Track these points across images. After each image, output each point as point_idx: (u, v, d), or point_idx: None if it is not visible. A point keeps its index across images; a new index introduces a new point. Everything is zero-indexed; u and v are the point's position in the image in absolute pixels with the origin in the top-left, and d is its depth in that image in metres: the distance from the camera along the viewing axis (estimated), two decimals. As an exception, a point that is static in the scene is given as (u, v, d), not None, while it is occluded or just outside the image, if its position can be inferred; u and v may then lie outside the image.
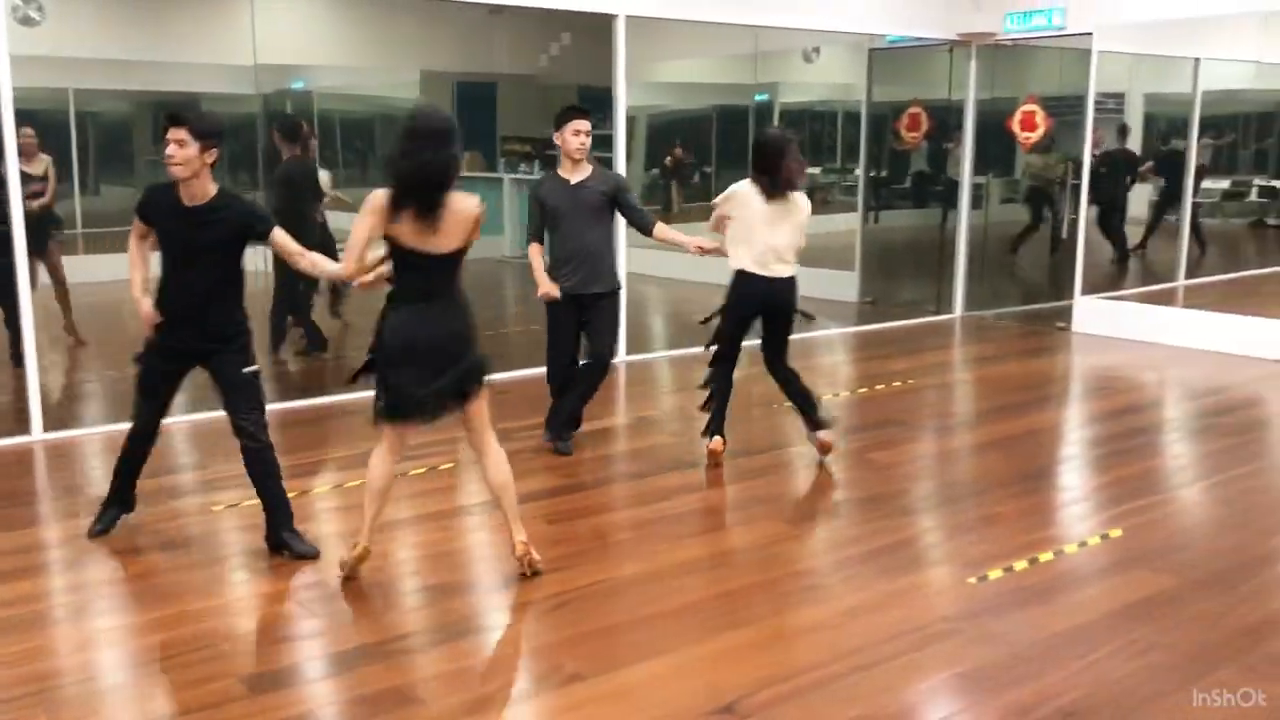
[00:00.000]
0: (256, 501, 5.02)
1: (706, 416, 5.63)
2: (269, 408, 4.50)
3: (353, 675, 3.50)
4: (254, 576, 4.29)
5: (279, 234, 4.24)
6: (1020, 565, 4.40)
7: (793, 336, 5.58)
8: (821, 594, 4.12)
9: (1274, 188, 13.42)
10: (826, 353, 8.84)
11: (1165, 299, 10.63)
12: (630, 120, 15.74)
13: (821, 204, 11.74)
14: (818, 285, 9.96)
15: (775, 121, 14.11)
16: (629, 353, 8.30)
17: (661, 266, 10.89)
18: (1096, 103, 9.80)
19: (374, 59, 14.05)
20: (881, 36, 10.12)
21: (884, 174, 11.98)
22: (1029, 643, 3.74)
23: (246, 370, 4.32)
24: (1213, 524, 4.97)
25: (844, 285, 10.72)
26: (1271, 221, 13.74)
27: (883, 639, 3.74)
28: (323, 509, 5.07)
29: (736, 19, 8.68)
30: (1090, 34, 9.16)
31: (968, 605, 4.03)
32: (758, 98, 14.24)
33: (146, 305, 4.29)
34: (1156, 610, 3.99)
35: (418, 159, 3.77)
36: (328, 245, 7.37)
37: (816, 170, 13.82)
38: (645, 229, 5.72)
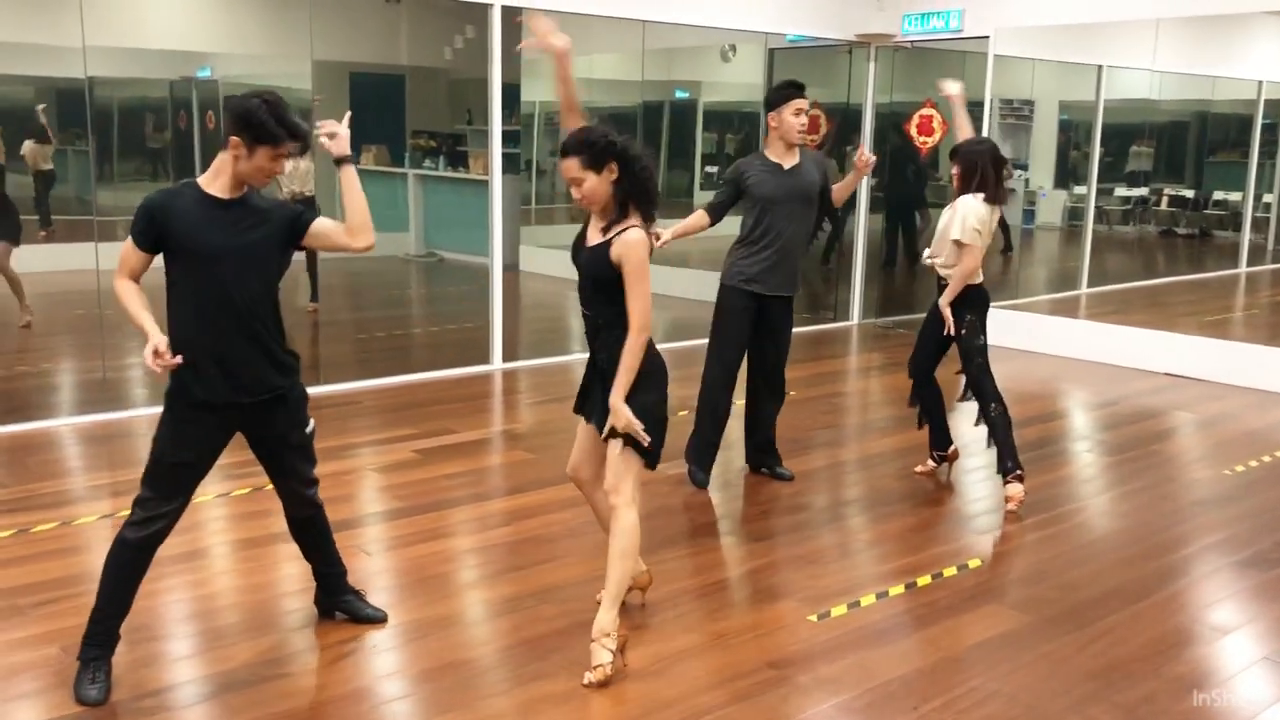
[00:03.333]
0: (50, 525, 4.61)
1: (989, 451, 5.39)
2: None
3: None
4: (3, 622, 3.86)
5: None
6: (867, 600, 4.11)
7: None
8: (646, 636, 3.77)
9: (1184, 197, 13.44)
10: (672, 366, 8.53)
11: (1068, 307, 10.51)
12: (556, 114, 15.42)
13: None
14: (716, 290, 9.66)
15: (699, 119, 13.81)
16: (505, 360, 7.93)
17: (552, 265, 10.55)
18: (1011, 110, 9.63)
19: (282, 48, 13.53)
20: (781, 36, 9.85)
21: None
22: (858, 692, 3.45)
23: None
24: (1079, 552, 4.72)
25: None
26: (1180, 230, 13.77)
27: (700, 690, 3.42)
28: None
29: (625, 13, 8.36)
30: (988, 37, 8.99)
31: (802, 647, 3.72)
32: (678, 95, 13.94)
33: None
34: (1001, 652, 3.72)
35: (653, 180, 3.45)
36: None
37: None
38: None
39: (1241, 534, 4.91)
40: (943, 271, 5.25)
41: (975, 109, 9.78)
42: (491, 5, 7.65)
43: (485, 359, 7.88)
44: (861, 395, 7.91)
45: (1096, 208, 11.30)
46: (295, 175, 9.08)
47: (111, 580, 3.32)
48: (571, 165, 3.42)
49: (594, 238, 3.52)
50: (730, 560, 4.62)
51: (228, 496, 5.01)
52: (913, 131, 9.64)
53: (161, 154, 13.33)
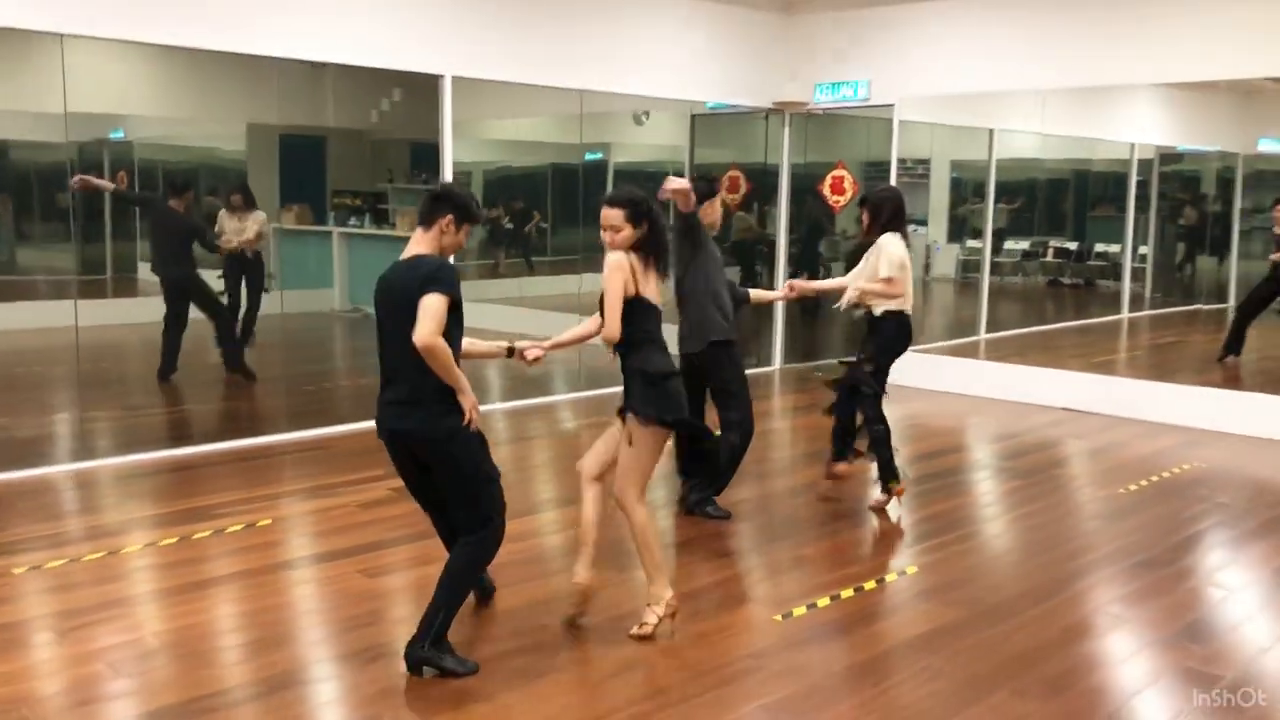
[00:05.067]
0: (59, 563, 4.94)
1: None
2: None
3: (167, 732, 3.50)
4: (58, 639, 4.21)
5: None
6: (823, 602, 4.69)
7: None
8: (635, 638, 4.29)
9: (1067, 249, 14.50)
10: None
11: (969, 351, 11.34)
12: (466, 175, 15.93)
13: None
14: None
15: (610, 180, 14.51)
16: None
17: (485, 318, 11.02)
18: (905, 169, 10.52)
19: (199, 111, 13.82)
20: (702, 102, 10.58)
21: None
22: (827, 674, 4.01)
23: None
24: (998, 560, 5.39)
25: (669, 338, 11.05)
26: (1065, 280, 14.82)
27: (691, 677, 3.95)
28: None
29: (562, 83, 8.97)
30: (893, 105, 9.84)
31: (773, 642, 4.28)
32: (589, 156, 14.58)
33: None
34: (943, 640, 4.32)
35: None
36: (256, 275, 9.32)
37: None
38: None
39: (1136, 542, 5.62)
40: (873, 300, 5.97)
41: (881, 170, 10.63)
42: (442, 76, 8.16)
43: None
44: (790, 433, 8.54)
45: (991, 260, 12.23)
46: (242, 230, 9.37)
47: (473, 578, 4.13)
48: (616, 215, 4.19)
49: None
50: (696, 575, 5.14)
51: (155, 545, 5.38)
52: (826, 191, 10.42)
53: (67, 214, 13.56)
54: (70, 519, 5.85)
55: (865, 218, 6.05)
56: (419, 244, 3.98)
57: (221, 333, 8.97)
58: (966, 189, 13.90)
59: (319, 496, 6.13)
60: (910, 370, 9.76)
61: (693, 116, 10.99)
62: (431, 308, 3.75)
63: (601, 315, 4.21)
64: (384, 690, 3.85)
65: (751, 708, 3.74)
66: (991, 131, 11.90)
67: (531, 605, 4.59)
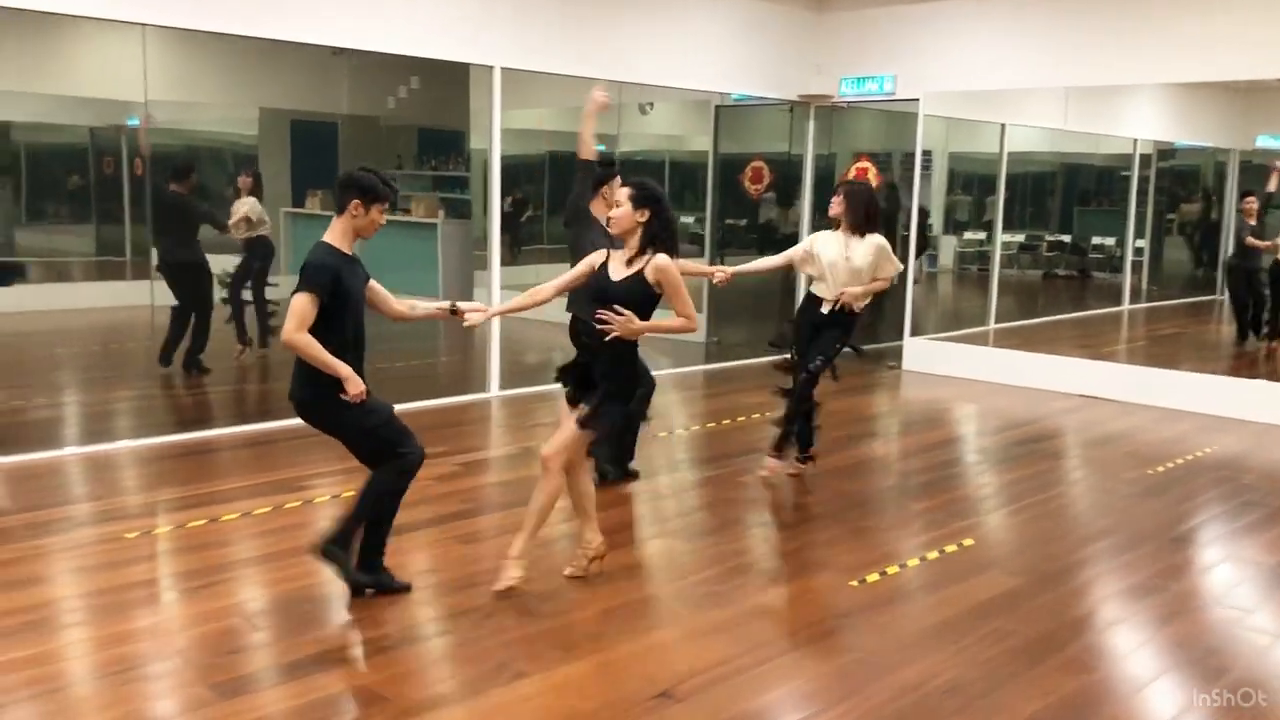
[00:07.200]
0: (169, 527, 5.22)
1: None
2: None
3: (315, 679, 3.78)
4: (186, 597, 4.49)
5: None
6: (892, 570, 5.02)
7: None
8: (724, 599, 4.60)
9: (1062, 241, 14.87)
10: (678, 389, 9.41)
11: (979, 340, 11.70)
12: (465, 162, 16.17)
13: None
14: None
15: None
16: (502, 388, 8.68)
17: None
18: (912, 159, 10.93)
19: (212, 95, 13.95)
20: (726, 95, 10.87)
21: (730, 221, 12.67)
22: (908, 633, 4.34)
23: None
24: (1047, 532, 5.71)
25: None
26: (1061, 272, 15.19)
27: (785, 633, 4.28)
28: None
29: (601, 74, 9.20)
30: (918, 100, 10.16)
31: (852, 604, 4.60)
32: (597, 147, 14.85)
33: None
34: (1009, 605, 4.65)
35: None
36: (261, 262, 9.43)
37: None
38: None
39: (1170, 518, 5.98)
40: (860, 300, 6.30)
41: (881, 161, 10.98)
42: (493, 68, 8.41)
43: (481, 388, 8.61)
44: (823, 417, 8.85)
45: (986, 252, 12.60)
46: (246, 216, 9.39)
47: (390, 502, 4.44)
48: (623, 191, 4.54)
49: (620, 271, 4.54)
50: (762, 545, 5.47)
51: (250, 515, 5.67)
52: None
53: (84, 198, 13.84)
54: (142, 493, 6.11)
55: (841, 207, 6.19)
56: (332, 229, 4.29)
57: (198, 332, 8.74)
58: (959, 182, 14.24)
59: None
60: (928, 357, 10.17)
61: (716, 108, 11.27)
62: (294, 306, 4.16)
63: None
64: (507, 641, 4.15)
65: (844, 660, 4.06)
66: (1003, 126, 12.23)
67: (627, 569, 4.90)
